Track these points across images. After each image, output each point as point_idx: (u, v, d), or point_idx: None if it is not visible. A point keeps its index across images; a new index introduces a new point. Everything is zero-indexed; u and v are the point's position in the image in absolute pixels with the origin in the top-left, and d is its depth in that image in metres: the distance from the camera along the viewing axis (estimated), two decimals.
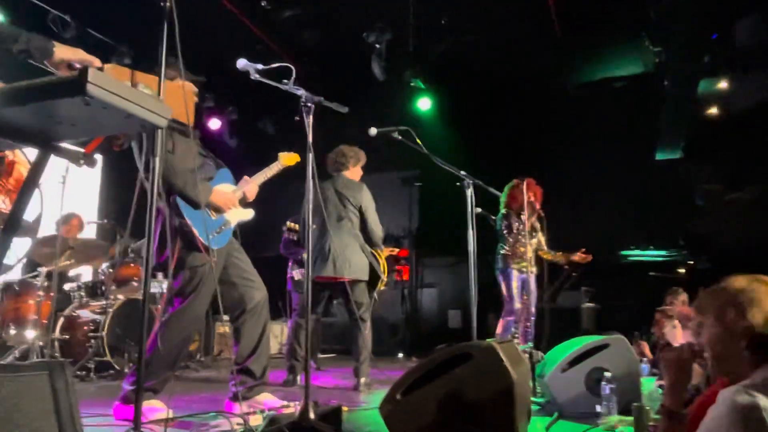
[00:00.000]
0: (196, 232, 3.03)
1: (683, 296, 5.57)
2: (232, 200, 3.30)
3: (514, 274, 5.40)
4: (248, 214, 3.45)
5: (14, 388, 1.17)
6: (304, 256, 2.94)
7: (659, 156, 8.37)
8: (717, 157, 8.21)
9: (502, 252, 5.53)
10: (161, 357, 2.92)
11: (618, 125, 7.97)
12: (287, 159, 3.68)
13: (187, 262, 3.05)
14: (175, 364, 3.16)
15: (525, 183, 5.27)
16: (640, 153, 8.16)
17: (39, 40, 1.83)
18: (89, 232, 6.10)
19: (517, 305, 5.35)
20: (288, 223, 5.24)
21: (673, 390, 1.85)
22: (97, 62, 1.79)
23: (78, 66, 1.80)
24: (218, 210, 3.24)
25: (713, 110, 7.94)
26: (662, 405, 1.85)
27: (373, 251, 4.71)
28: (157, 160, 1.85)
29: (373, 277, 4.65)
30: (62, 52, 1.84)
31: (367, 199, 4.63)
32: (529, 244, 5.27)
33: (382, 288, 4.90)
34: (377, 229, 4.69)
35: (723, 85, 7.61)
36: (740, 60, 7.01)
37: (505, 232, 5.50)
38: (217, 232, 3.19)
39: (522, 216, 5.33)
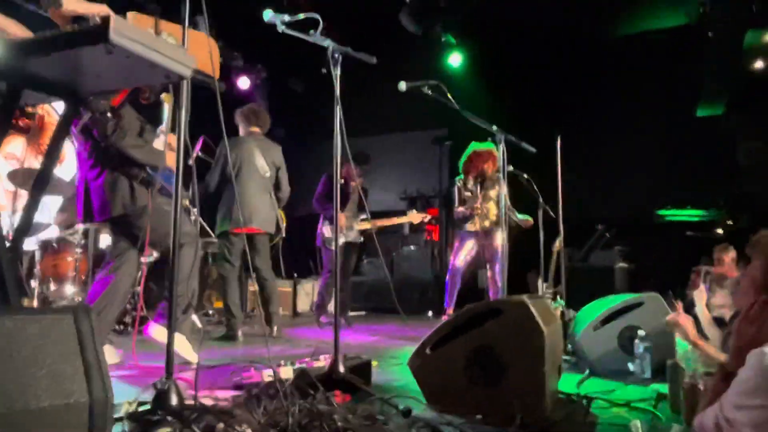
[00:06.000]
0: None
1: (732, 253, 5.12)
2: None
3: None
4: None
5: (39, 330, 1.18)
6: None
7: (700, 112, 8.07)
8: (761, 112, 7.87)
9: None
10: None
11: (658, 79, 7.67)
12: (168, 98, 3.80)
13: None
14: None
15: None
16: (680, 108, 7.87)
17: None
18: None
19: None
20: None
21: (740, 353, 1.80)
22: (106, 10, 1.72)
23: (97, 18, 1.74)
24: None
25: (759, 63, 7.57)
26: (722, 365, 1.85)
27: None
28: (183, 112, 1.83)
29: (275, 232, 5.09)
30: (70, 2, 1.78)
31: (282, 160, 5.00)
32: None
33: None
34: (288, 189, 5.04)
35: None
36: None
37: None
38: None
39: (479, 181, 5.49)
